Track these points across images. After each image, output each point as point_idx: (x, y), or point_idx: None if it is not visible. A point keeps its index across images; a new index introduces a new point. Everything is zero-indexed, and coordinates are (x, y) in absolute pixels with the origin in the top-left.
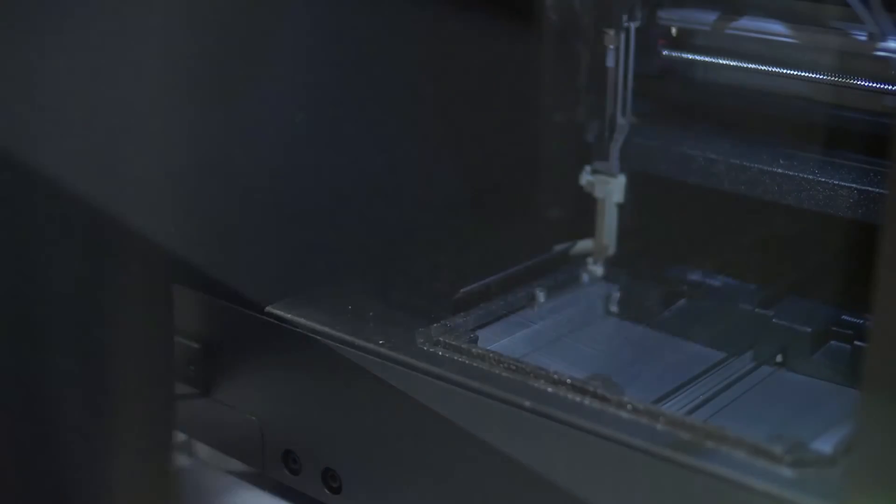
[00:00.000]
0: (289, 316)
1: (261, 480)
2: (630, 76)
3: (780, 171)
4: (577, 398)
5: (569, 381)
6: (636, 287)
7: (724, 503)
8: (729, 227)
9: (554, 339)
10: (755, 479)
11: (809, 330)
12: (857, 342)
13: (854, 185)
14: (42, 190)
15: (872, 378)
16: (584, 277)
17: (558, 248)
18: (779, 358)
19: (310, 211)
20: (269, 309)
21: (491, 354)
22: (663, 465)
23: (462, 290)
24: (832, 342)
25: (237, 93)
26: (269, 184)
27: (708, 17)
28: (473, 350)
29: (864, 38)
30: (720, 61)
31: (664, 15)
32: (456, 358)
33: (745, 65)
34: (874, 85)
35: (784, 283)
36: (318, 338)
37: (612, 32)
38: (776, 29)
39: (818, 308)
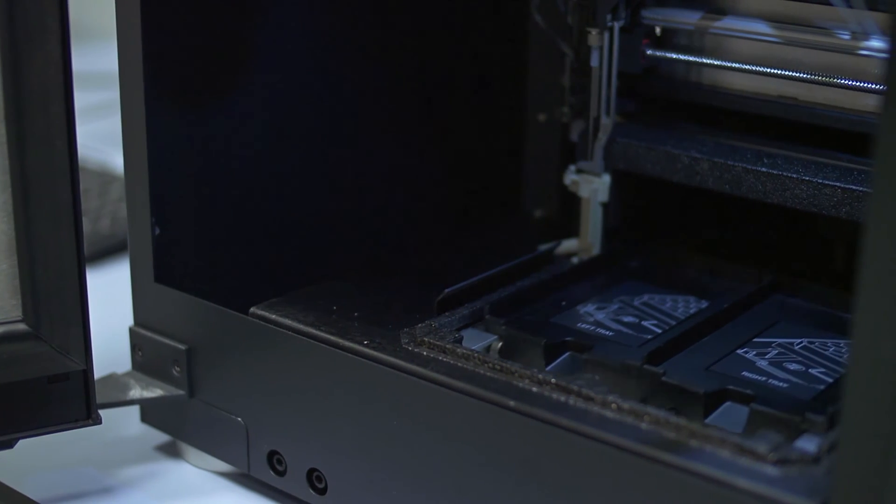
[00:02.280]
0: (273, 317)
1: (246, 481)
2: (614, 75)
3: (763, 169)
4: (562, 398)
5: (553, 380)
6: (518, 338)
7: (708, 501)
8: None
9: None
10: (740, 477)
11: (702, 391)
12: (754, 405)
13: (838, 184)
14: None
15: (855, 377)
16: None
17: (543, 247)
18: None
19: (295, 212)
20: (253, 310)
21: (476, 354)
22: (648, 464)
23: (447, 290)
24: (728, 402)
25: (222, 97)
26: (254, 186)
27: (692, 17)
28: (458, 350)
29: (847, 37)
30: (704, 60)
31: (648, 14)
32: (441, 358)
33: (729, 64)
34: (857, 84)
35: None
36: (303, 338)
37: (595, 32)
38: (760, 28)
39: (715, 364)
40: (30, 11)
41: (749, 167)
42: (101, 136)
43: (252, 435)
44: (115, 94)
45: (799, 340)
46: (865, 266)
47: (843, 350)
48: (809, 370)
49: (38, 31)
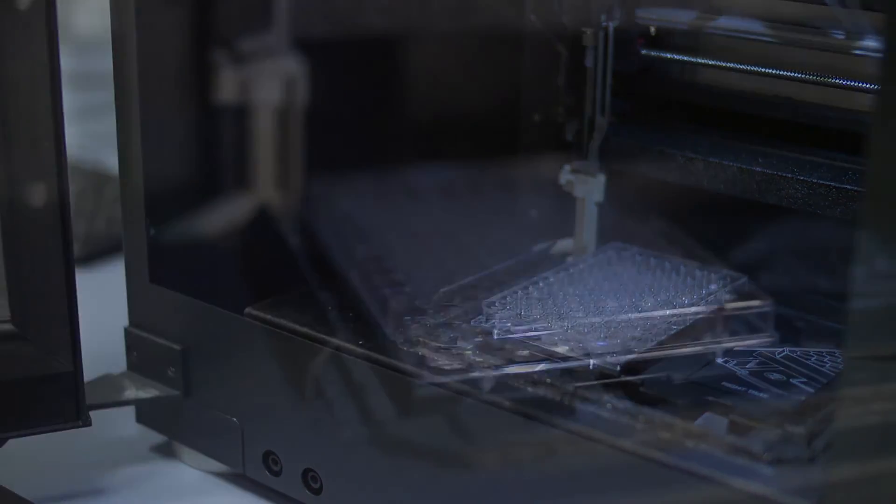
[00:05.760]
0: (269, 317)
1: (241, 481)
2: (609, 75)
3: (758, 169)
4: (558, 397)
5: (548, 380)
6: None
7: (704, 501)
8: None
9: None
10: (734, 476)
11: (680, 402)
12: (733, 416)
13: (833, 184)
14: None
15: (849, 374)
16: None
17: (538, 247)
18: None
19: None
20: (248, 310)
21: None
22: (643, 464)
23: (442, 290)
24: (707, 413)
25: (216, 97)
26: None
27: (687, 17)
28: (453, 350)
29: (842, 36)
30: (699, 60)
31: (643, 14)
32: (436, 358)
33: (724, 63)
34: (852, 83)
35: None
36: (299, 339)
37: (590, 32)
38: (755, 28)
39: (694, 374)
40: (15, 11)
41: (744, 167)
42: (95, 136)
43: (247, 435)
44: (109, 95)
45: (781, 350)
46: (860, 264)
47: (826, 360)
48: (791, 380)
49: (24, 31)
